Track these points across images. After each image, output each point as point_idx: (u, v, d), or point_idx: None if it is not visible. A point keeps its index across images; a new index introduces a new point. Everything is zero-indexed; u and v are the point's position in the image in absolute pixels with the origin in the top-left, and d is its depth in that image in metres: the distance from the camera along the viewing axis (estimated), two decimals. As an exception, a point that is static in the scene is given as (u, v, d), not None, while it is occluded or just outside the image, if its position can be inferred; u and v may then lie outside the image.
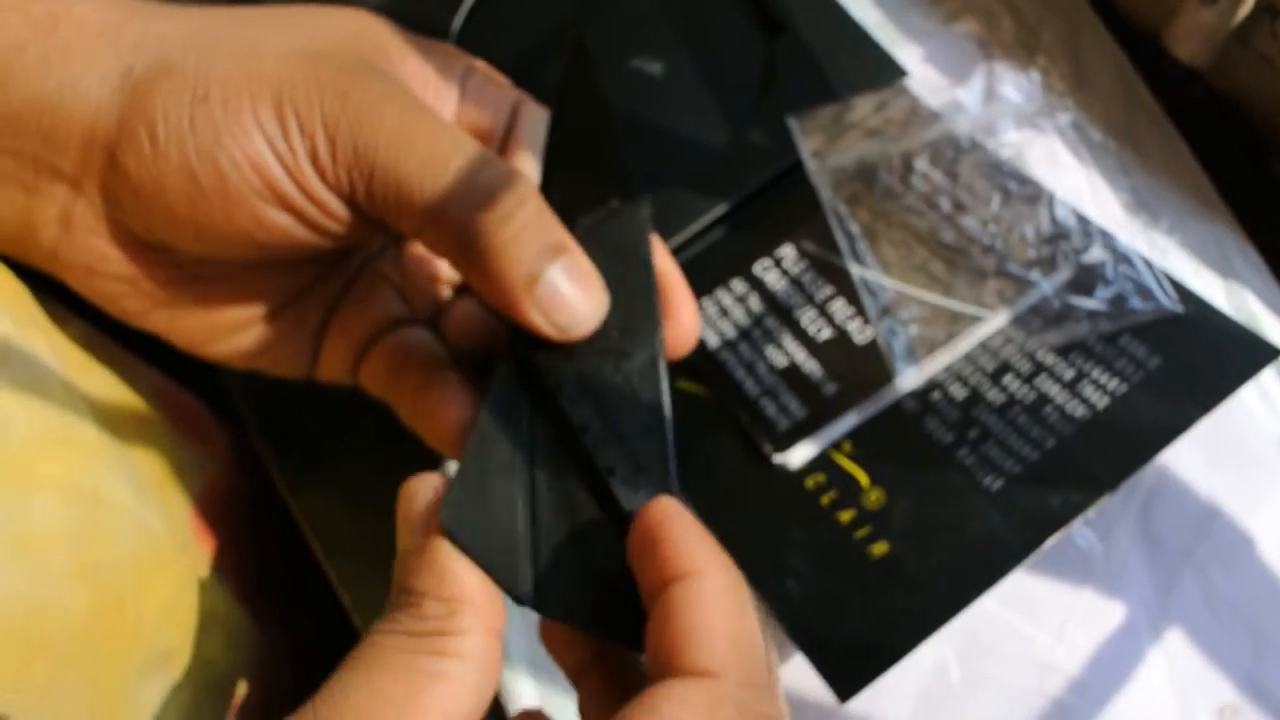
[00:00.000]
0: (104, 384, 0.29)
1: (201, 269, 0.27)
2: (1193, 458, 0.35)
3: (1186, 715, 0.32)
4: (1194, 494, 0.34)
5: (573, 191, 0.28)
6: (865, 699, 0.30)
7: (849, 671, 0.30)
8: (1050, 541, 0.31)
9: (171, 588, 0.28)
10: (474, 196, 0.24)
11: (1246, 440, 0.35)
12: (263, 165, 0.24)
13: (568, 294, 0.25)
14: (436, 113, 0.25)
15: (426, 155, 0.24)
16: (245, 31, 0.26)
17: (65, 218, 0.26)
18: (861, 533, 0.32)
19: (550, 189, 0.28)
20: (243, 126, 0.24)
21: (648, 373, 0.26)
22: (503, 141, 0.30)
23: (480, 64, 0.31)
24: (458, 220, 0.24)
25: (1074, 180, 0.40)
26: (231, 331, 0.28)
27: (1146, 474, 0.35)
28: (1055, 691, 0.32)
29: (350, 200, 0.25)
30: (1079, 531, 0.34)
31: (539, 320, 0.25)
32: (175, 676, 0.27)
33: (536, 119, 0.30)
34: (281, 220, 0.25)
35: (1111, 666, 0.32)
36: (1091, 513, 0.32)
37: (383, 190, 0.25)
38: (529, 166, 0.29)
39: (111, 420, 0.29)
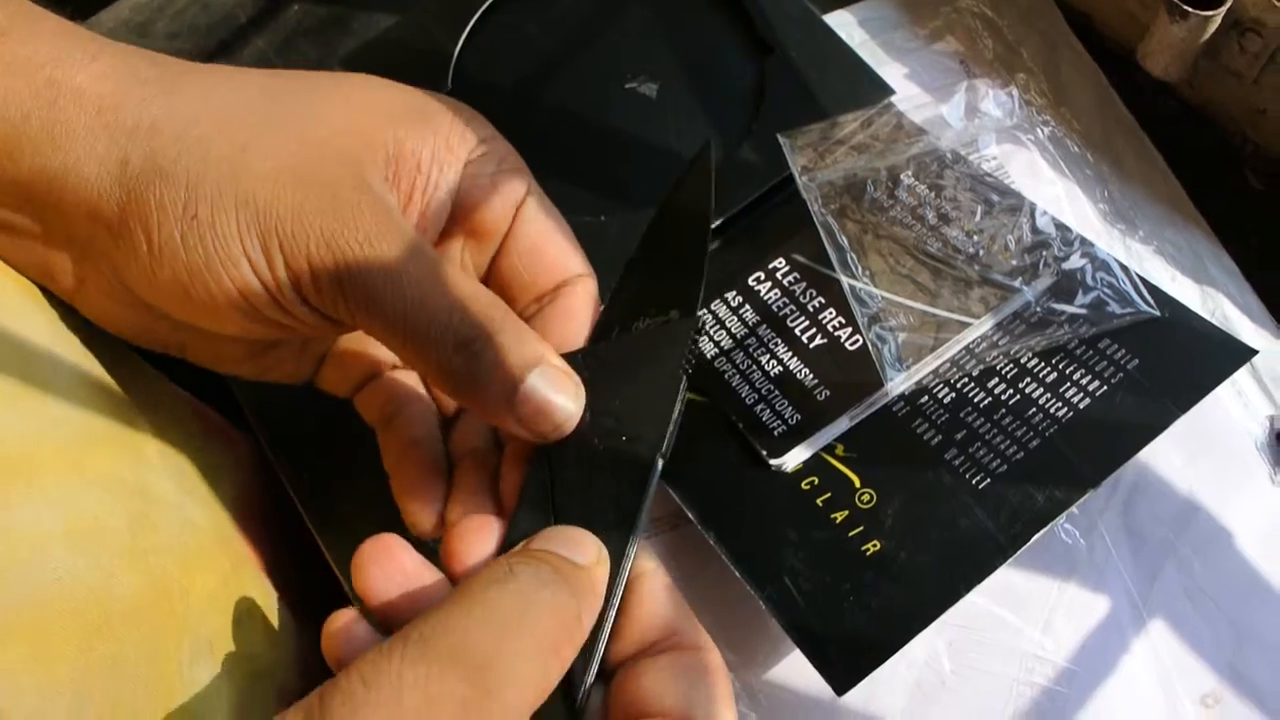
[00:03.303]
0: (138, 393, 0.31)
1: None
2: (1172, 455, 0.36)
3: (1171, 703, 0.33)
4: (1174, 489, 0.36)
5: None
6: (861, 692, 0.31)
7: (845, 666, 0.31)
8: (1036, 537, 0.32)
9: (214, 579, 0.29)
10: (454, 332, 0.26)
11: (1223, 437, 0.36)
12: (249, 291, 0.26)
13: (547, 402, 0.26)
14: (420, 244, 0.26)
15: (414, 299, 0.26)
16: (235, 134, 0.26)
17: (79, 274, 0.28)
18: (855, 532, 0.33)
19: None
20: (231, 255, 0.25)
21: (638, 471, 0.27)
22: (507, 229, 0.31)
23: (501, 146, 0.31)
24: (439, 355, 0.26)
25: (1053, 191, 0.41)
26: (235, 360, 0.31)
27: (1127, 471, 0.36)
28: (1044, 682, 0.33)
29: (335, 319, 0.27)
30: (1063, 527, 0.35)
31: (522, 433, 0.27)
32: (219, 665, 0.28)
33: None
34: (264, 328, 0.27)
35: (1097, 657, 0.34)
36: (1075, 509, 0.33)
37: (366, 323, 0.26)
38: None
39: (150, 423, 0.30)
